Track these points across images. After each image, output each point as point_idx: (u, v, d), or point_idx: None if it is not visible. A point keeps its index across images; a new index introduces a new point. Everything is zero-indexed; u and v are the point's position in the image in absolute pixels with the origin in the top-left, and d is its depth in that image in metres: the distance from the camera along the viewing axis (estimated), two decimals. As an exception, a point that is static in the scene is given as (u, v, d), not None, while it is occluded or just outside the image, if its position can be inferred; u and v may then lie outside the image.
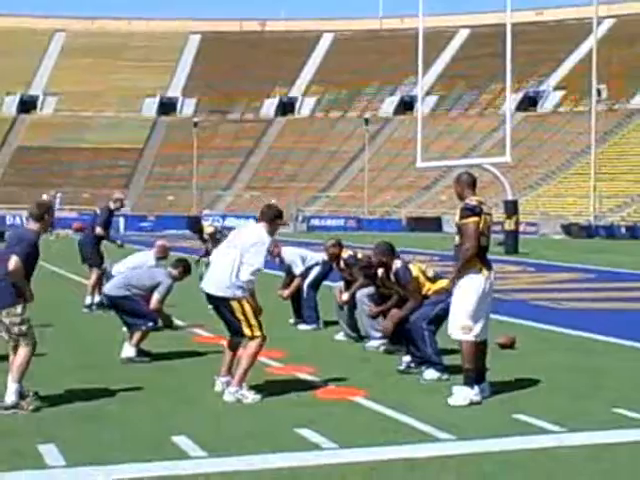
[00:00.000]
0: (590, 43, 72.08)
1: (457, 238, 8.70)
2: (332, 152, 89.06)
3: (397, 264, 10.31)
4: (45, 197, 71.45)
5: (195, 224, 16.96)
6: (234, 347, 8.93)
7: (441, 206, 75.17)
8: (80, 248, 16.03)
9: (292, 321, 13.84)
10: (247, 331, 8.60)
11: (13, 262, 7.83)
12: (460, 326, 8.57)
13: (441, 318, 9.62)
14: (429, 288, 10.14)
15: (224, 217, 69.40)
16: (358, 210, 74.88)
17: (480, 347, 8.69)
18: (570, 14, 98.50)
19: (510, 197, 37.58)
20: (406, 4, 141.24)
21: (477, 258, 8.56)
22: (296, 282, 13.51)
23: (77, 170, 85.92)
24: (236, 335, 8.79)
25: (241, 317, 8.60)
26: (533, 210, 66.91)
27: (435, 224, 66.61)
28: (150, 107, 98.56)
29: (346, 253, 12.56)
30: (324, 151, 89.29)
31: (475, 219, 8.56)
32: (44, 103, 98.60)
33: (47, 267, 23.36)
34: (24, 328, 7.99)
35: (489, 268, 8.65)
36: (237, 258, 8.54)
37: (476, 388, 8.53)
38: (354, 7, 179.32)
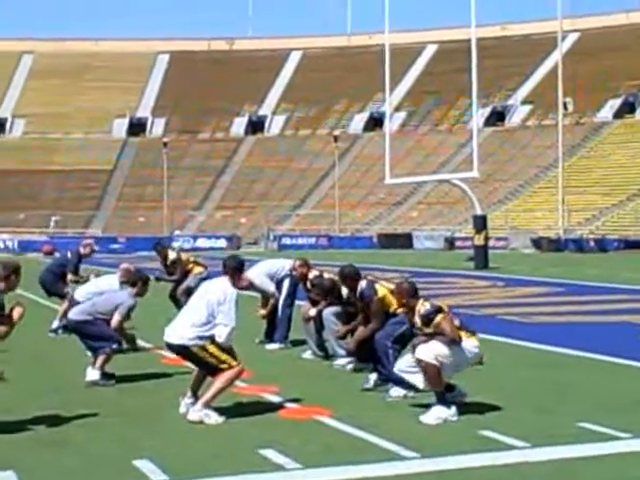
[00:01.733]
0: (556, 57, 72.59)
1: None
2: (303, 170, 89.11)
3: (362, 284, 10.32)
4: (52, 225, 71.67)
5: (160, 248, 16.82)
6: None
7: (412, 222, 75.41)
8: (42, 285, 16.01)
9: (257, 340, 13.77)
10: (223, 367, 8.60)
11: None
12: (435, 355, 8.57)
13: (406, 337, 9.56)
14: (397, 307, 10.13)
15: (195, 238, 69.27)
16: (330, 227, 74.90)
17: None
18: (535, 29, 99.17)
19: (479, 212, 37.70)
20: (374, 21, 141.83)
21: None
22: (272, 301, 13.50)
23: (47, 193, 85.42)
24: (213, 375, 8.73)
25: (210, 360, 8.60)
26: (503, 225, 67.19)
27: (406, 240, 66.74)
28: (120, 128, 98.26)
29: (312, 273, 12.55)
30: (294, 169, 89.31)
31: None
32: (12, 126, 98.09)
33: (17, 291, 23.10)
34: None
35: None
36: (203, 312, 8.57)
37: (453, 408, 8.52)
38: (322, 24, 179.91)
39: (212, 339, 8.58)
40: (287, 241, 68.59)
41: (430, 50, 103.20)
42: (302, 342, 12.95)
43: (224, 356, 8.57)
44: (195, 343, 8.56)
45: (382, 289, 10.24)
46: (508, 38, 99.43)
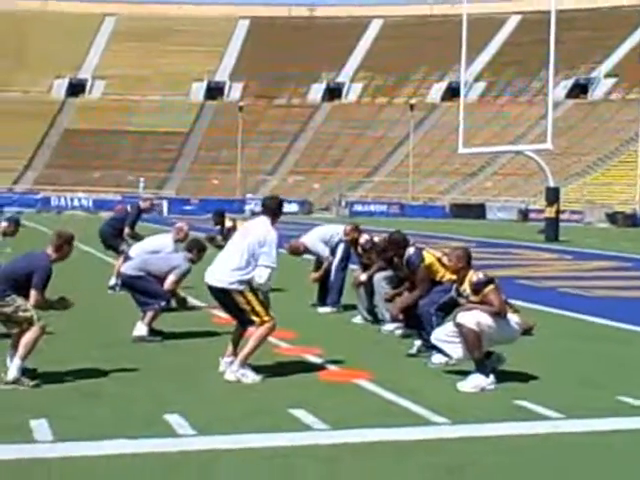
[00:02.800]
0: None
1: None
2: (378, 138, 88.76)
3: (410, 251, 10.25)
4: (141, 185, 72.85)
5: (218, 217, 16.86)
6: (243, 328, 8.93)
7: (486, 193, 74.72)
8: (101, 237, 16.29)
9: (310, 303, 13.81)
10: (255, 319, 8.63)
11: (33, 299, 8.07)
12: (476, 321, 8.50)
13: (450, 306, 9.48)
14: (443, 275, 10.07)
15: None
16: (402, 196, 74.56)
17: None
18: (624, 1, 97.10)
19: (552, 184, 37.13)
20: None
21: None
22: (325, 265, 13.49)
23: (123, 153, 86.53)
24: (245, 325, 8.80)
25: (246, 307, 8.62)
26: (579, 198, 66.18)
27: (479, 211, 66.20)
28: (198, 91, 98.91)
29: (363, 238, 12.52)
30: (370, 137, 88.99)
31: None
32: (92, 87, 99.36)
33: (81, 247, 23.50)
34: (28, 314, 8.04)
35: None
36: (244, 254, 8.57)
37: (491, 377, 8.46)
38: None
39: (251, 286, 8.58)
40: (359, 208, 68.46)
41: (514, 20, 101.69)
42: (354, 307, 12.94)
43: (259, 307, 8.60)
44: (235, 287, 8.56)
45: (429, 256, 10.18)
46: (597, 10, 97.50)
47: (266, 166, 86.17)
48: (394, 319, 10.82)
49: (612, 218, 58.80)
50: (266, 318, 8.63)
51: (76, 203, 64.83)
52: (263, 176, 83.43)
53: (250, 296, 8.59)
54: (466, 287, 8.80)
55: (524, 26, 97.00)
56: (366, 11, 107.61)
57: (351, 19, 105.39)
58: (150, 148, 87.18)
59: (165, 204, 63.83)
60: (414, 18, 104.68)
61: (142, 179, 74.99)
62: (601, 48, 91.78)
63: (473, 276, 8.77)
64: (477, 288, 8.65)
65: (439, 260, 10.14)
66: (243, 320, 8.75)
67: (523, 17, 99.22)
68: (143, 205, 16.19)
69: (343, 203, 69.78)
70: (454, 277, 9.34)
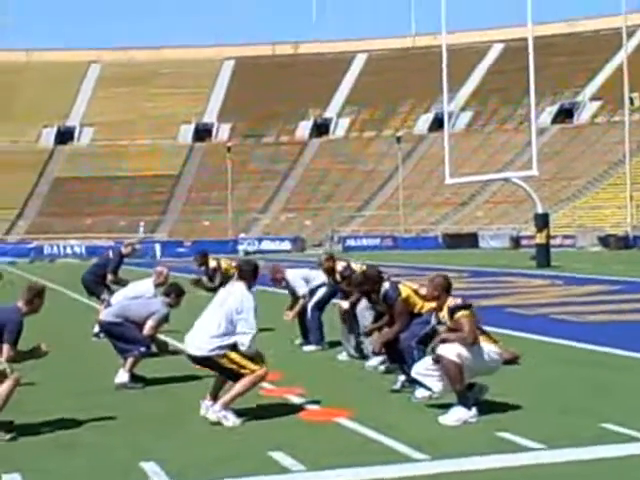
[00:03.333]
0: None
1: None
2: (368, 172, 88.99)
3: (386, 285, 10.22)
4: (141, 230, 72.95)
5: (201, 257, 16.76)
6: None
7: (478, 222, 74.82)
8: (83, 284, 16.25)
9: (298, 342, 13.74)
10: (245, 372, 8.56)
11: (6, 354, 8.03)
12: (457, 352, 8.43)
13: (431, 338, 9.42)
14: (422, 306, 10.01)
15: (260, 240, 69.53)
16: (395, 229, 74.61)
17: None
18: (603, 24, 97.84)
19: (540, 210, 37.15)
20: (439, 21, 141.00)
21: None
22: (300, 304, 13.46)
23: (114, 199, 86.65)
24: (236, 380, 8.67)
25: (231, 366, 8.56)
26: (570, 223, 66.24)
27: (472, 240, 66.26)
28: (186, 134, 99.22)
29: (340, 265, 12.50)
30: (359, 171, 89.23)
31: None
32: (81, 134, 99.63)
33: (69, 294, 23.46)
34: (0, 368, 7.97)
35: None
36: (221, 322, 8.54)
37: (473, 410, 8.38)
38: (387, 26, 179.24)
39: (233, 346, 8.54)
40: (352, 242, 68.45)
41: (496, 49, 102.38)
42: (339, 343, 12.84)
43: (244, 361, 8.53)
44: (216, 353, 8.53)
45: (405, 289, 10.13)
46: (576, 35, 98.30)
47: (257, 204, 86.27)
48: (376, 354, 10.75)
49: (604, 241, 58.80)
50: (255, 368, 8.56)
51: (69, 251, 64.68)
52: (255, 215, 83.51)
53: (233, 355, 8.53)
54: (445, 314, 8.75)
55: (507, 54, 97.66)
56: (350, 46, 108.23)
57: (335, 54, 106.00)
58: (141, 192, 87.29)
59: (158, 247, 63.78)
60: (397, 51, 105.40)
61: (142, 223, 75.15)
62: (584, 72, 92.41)
63: (452, 302, 8.72)
64: (452, 312, 8.62)
65: (416, 292, 10.10)
66: (233, 379, 8.66)
67: (506, 45, 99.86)
68: (125, 250, 16.18)
69: (336, 238, 69.77)
70: (434, 306, 9.30)
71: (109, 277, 15.62)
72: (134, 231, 72.98)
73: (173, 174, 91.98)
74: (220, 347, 8.51)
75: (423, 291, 10.14)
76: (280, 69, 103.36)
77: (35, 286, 8.46)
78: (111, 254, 16.16)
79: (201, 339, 8.61)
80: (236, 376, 8.59)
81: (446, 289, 8.88)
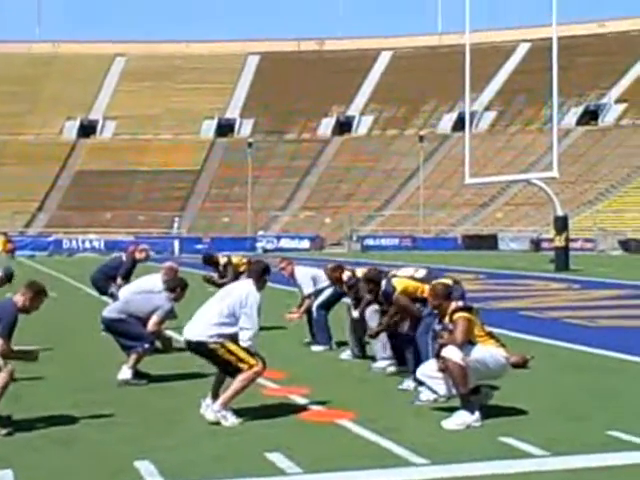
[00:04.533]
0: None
1: None
2: (389, 170, 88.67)
3: (383, 284, 10.20)
4: (175, 225, 73.11)
5: (208, 259, 16.71)
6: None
7: (498, 224, 74.43)
8: (94, 284, 16.11)
9: (307, 341, 13.62)
10: (242, 366, 8.43)
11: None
12: (461, 355, 8.30)
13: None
14: (422, 290, 9.97)
15: (278, 238, 69.38)
16: (414, 229, 74.30)
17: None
18: (632, 25, 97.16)
19: (559, 213, 36.84)
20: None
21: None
22: (306, 304, 13.39)
23: (134, 193, 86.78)
24: (234, 376, 8.54)
25: (230, 357, 8.45)
26: (591, 226, 65.77)
27: (491, 242, 65.88)
28: (208, 129, 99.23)
29: (345, 275, 12.33)
30: (381, 169, 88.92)
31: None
32: (103, 127, 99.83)
33: (84, 289, 23.45)
34: None
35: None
36: (223, 311, 8.47)
37: (476, 414, 8.24)
38: (413, 24, 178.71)
39: (232, 337, 8.42)
40: (370, 242, 68.15)
41: (523, 48, 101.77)
42: (347, 343, 12.71)
43: (243, 354, 8.41)
44: (214, 340, 8.42)
45: (400, 281, 10.16)
46: (603, 36, 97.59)
47: (277, 202, 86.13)
48: (372, 337, 10.85)
49: (625, 245, 58.36)
50: (253, 362, 8.45)
51: (87, 245, 64.62)
52: (274, 212, 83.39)
53: (231, 346, 8.42)
54: (448, 319, 8.64)
55: (533, 54, 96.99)
56: (375, 43, 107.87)
57: (360, 52, 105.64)
58: (162, 187, 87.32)
59: (177, 243, 63.71)
60: (423, 49, 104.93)
61: (176, 218, 75.02)
62: (610, 73, 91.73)
63: (454, 306, 8.62)
64: (451, 315, 8.54)
65: (412, 278, 10.11)
66: (231, 372, 8.54)
67: (532, 45, 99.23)
68: (139, 256, 15.74)
69: (355, 238, 69.52)
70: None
71: (119, 281, 15.23)
72: (163, 227, 72.92)
73: (194, 169, 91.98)
74: (219, 335, 8.41)
75: (419, 273, 10.18)
76: (304, 65, 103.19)
77: (35, 285, 8.37)
78: (124, 257, 15.89)
79: (200, 326, 8.53)
80: (234, 370, 8.46)
81: (446, 296, 8.82)
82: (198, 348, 8.59)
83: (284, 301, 17.62)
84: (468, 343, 8.39)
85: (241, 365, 8.41)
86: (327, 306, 13.32)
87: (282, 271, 13.74)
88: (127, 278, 15.25)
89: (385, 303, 10.21)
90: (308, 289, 13.32)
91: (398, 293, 9.98)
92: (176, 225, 74.15)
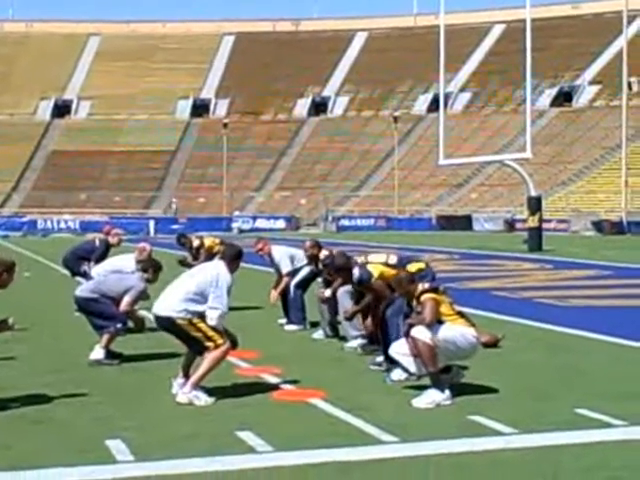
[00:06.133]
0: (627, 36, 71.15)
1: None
2: (364, 151, 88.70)
3: (355, 272, 10.28)
4: (174, 207, 72.81)
5: (181, 239, 16.79)
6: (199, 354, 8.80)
7: (472, 204, 74.68)
8: (65, 265, 16.06)
9: (282, 321, 13.67)
10: (209, 344, 8.47)
11: None
12: (430, 335, 8.38)
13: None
14: (398, 273, 10.02)
15: (254, 218, 69.41)
16: (389, 210, 74.43)
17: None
18: (607, 7, 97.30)
19: (533, 193, 37.04)
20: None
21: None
22: (283, 282, 13.42)
23: (109, 174, 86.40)
24: (201, 354, 8.60)
25: (197, 334, 8.50)
26: (565, 207, 66.13)
27: (466, 222, 66.13)
28: (183, 109, 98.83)
29: (322, 253, 12.40)
30: (356, 151, 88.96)
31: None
32: (78, 107, 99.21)
33: (59, 270, 23.37)
34: None
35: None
36: (191, 288, 8.52)
37: (447, 392, 8.32)
38: (388, 4, 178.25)
39: (200, 315, 8.47)
40: (346, 222, 68.41)
41: (498, 29, 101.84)
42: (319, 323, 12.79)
43: (211, 332, 8.46)
44: (182, 316, 8.47)
45: (376, 268, 10.34)
46: (579, 17, 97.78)
47: (253, 183, 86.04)
48: (348, 319, 10.94)
49: (598, 226, 58.71)
50: (220, 341, 8.49)
51: (62, 225, 64.36)
52: (250, 193, 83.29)
53: (199, 323, 8.47)
54: (415, 301, 8.74)
55: (508, 35, 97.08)
56: (350, 24, 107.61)
57: (335, 33, 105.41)
58: (136, 167, 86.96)
59: (152, 224, 63.55)
60: (398, 30, 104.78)
61: (174, 200, 74.58)
62: (584, 55, 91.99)
63: (421, 287, 8.71)
64: (418, 297, 8.62)
65: (385, 264, 10.26)
66: (197, 349, 8.60)
67: (507, 26, 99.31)
68: (112, 240, 15.63)
69: (330, 218, 69.66)
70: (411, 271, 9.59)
71: (91, 265, 15.21)
72: (138, 207, 72.56)
73: (169, 150, 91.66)
74: (187, 311, 8.46)
75: (392, 259, 10.31)
76: (280, 46, 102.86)
77: (4, 261, 8.34)
78: (97, 242, 15.80)
79: (169, 301, 8.59)
80: (200, 347, 8.51)
81: (410, 281, 8.93)
82: (165, 323, 8.63)
83: (259, 281, 17.67)
84: (437, 322, 8.47)
85: (208, 343, 8.45)
86: (304, 285, 13.38)
87: (259, 252, 13.76)
88: (99, 262, 15.15)
89: (360, 288, 10.30)
90: (286, 268, 13.36)
91: (376, 279, 10.09)
92: (174, 207, 73.85)
